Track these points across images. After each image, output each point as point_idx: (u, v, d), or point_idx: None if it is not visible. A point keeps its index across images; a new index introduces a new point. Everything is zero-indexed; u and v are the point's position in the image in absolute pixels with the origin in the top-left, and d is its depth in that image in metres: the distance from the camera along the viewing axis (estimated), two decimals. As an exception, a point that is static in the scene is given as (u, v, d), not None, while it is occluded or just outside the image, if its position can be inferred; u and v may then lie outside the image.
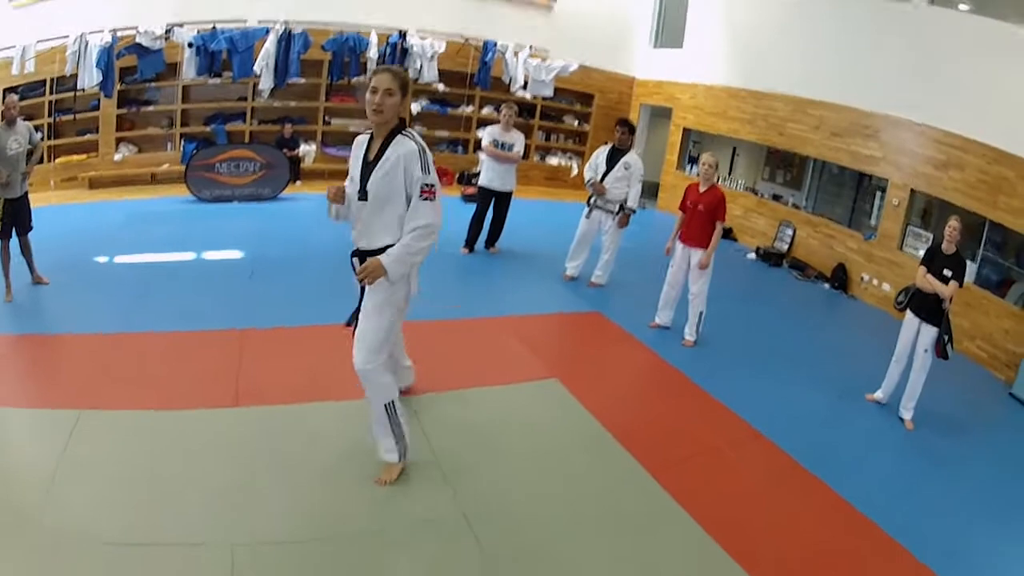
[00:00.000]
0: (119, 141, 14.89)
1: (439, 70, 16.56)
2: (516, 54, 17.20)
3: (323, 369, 6.79)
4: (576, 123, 19.54)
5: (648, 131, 19.69)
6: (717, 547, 5.04)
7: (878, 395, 8.05)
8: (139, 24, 13.62)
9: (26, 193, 8.61)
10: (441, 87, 16.99)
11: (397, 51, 15.95)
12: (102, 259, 10.05)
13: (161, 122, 15.41)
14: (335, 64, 15.68)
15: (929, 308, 7.54)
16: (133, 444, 5.54)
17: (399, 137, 4.86)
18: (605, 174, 10.39)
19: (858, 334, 11.12)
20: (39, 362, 7.01)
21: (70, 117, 14.15)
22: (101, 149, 14.62)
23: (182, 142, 15.41)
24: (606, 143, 10.79)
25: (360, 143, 5.05)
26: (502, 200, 11.59)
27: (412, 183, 4.78)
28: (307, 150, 16.25)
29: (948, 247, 7.50)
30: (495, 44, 17.08)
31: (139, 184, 14.83)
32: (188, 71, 14.31)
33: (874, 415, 7.86)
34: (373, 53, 15.57)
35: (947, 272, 7.40)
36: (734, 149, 17.01)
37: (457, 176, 17.76)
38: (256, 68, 14.65)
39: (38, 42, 12.97)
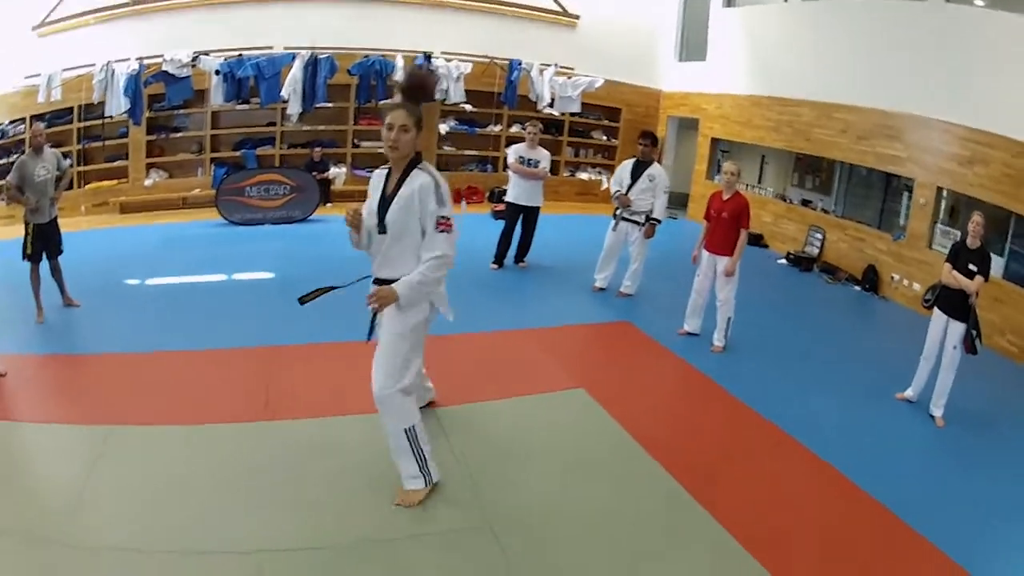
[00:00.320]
0: (149, 167, 15.22)
1: (466, 90, 16.68)
2: (542, 72, 17.31)
3: (349, 384, 6.80)
4: (604, 138, 19.56)
5: (677, 142, 19.67)
6: (753, 561, 4.94)
7: (908, 393, 8.01)
8: (165, 52, 13.91)
9: (55, 218, 8.83)
10: (468, 107, 17.08)
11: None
12: (133, 281, 10.27)
13: (191, 148, 15.72)
14: (362, 87, 15.86)
15: (956, 304, 7.50)
16: (161, 457, 5.66)
17: (415, 171, 5.00)
18: (630, 186, 10.45)
19: (889, 334, 11.07)
20: (69, 380, 7.17)
21: (99, 144, 14.47)
22: (131, 175, 14.95)
23: (212, 167, 15.68)
24: (632, 157, 10.81)
25: (378, 177, 5.19)
26: (530, 216, 11.67)
27: (427, 216, 4.90)
28: (337, 172, 16.44)
29: (973, 242, 7.48)
30: (520, 62, 17.17)
31: (170, 209, 15.10)
32: (216, 98, 14.59)
33: (904, 414, 7.80)
34: (399, 76, 15.62)
35: (972, 267, 7.36)
36: (762, 157, 16.98)
37: (487, 194, 17.87)
38: (284, 93, 14.88)
39: (64, 70, 13.31)
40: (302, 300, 5.35)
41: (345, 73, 15.51)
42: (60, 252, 8.89)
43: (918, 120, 12.07)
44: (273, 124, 16.08)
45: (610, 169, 18.12)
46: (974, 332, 7.42)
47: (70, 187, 13.24)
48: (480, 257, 11.71)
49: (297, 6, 15.64)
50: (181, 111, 15.18)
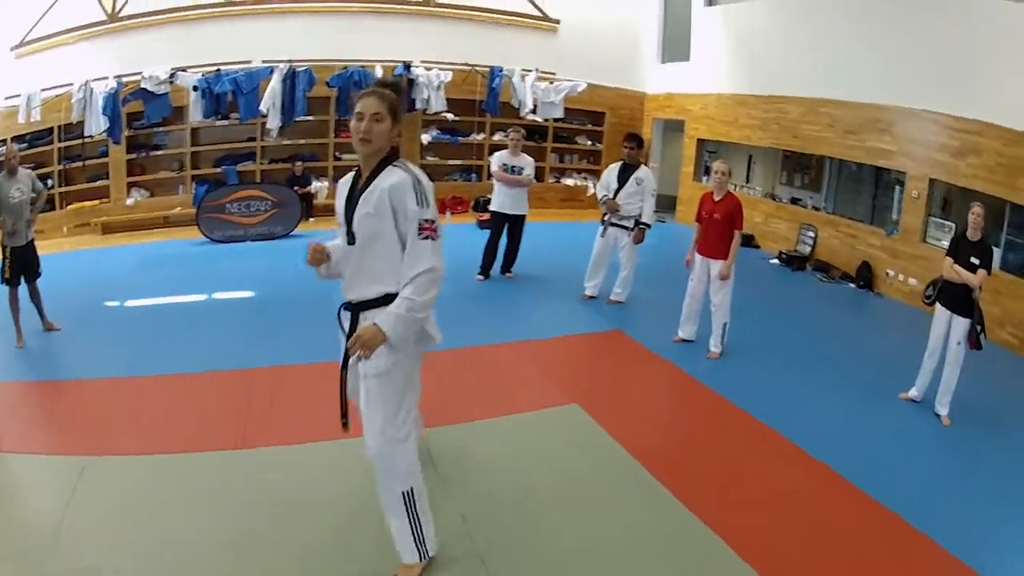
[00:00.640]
0: (130, 186, 15.10)
1: (447, 99, 16.54)
2: (523, 78, 17.16)
3: (329, 407, 6.57)
4: (589, 142, 19.47)
5: (663, 145, 19.60)
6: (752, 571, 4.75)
7: (912, 393, 7.82)
8: (143, 69, 13.77)
9: (32, 241, 8.65)
10: (450, 116, 16.92)
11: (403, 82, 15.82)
12: (113, 303, 10.08)
13: (171, 166, 15.58)
14: (342, 99, 15.66)
15: (959, 299, 7.33)
16: (139, 490, 5.45)
17: (389, 168, 4.12)
18: (617, 191, 10.26)
19: (887, 332, 10.91)
20: (48, 408, 7.00)
21: (79, 164, 14.30)
22: (112, 194, 14.82)
23: (193, 184, 15.54)
24: (619, 160, 10.61)
25: (345, 182, 4.35)
26: (515, 224, 11.45)
27: (407, 219, 4.01)
28: (319, 186, 16.26)
29: (973, 234, 7.30)
30: (501, 69, 17.05)
31: (152, 228, 14.92)
32: (195, 114, 14.47)
33: (909, 414, 7.62)
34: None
35: (974, 260, 7.20)
36: (750, 156, 16.86)
37: (472, 203, 17.73)
38: (263, 108, 14.72)
39: (43, 90, 13.20)
40: (344, 424, 4.45)
41: (324, 85, 15.37)
42: (39, 275, 8.72)
43: (907, 112, 11.95)
44: (253, 139, 15.94)
45: (596, 174, 18.10)
46: (979, 327, 7.27)
47: (52, 208, 13.29)
48: (466, 268, 11.48)
49: (274, 19, 15.53)
50: (160, 129, 15.06)
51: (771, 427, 6.98)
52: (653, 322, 9.76)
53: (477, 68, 17.08)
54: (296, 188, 15.02)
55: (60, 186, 14.11)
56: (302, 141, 16.29)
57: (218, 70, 14.42)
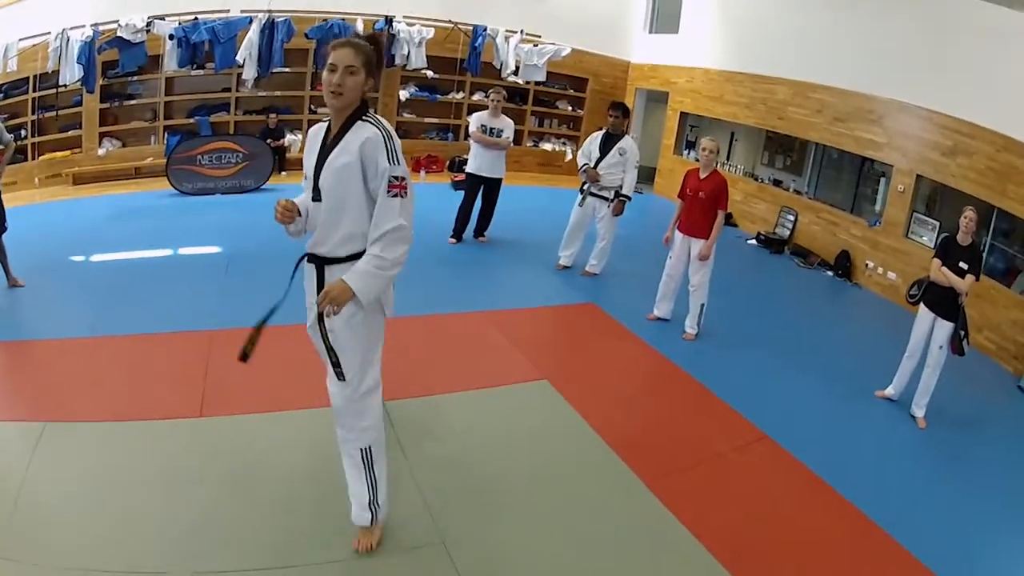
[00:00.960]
0: (103, 136, 14.60)
1: (428, 56, 16.19)
2: (507, 39, 16.81)
3: (291, 374, 6.39)
4: (570, 108, 19.20)
5: (644, 115, 19.43)
6: (719, 566, 4.67)
7: (889, 391, 7.70)
8: (120, 17, 13.30)
9: None
10: (430, 73, 16.58)
11: (384, 36, 15.48)
12: (79, 258, 9.74)
13: (145, 116, 15.09)
14: (320, 52, 15.21)
15: (944, 302, 7.20)
16: (97, 459, 5.20)
17: (359, 123, 3.97)
18: (599, 160, 10.01)
19: (865, 325, 10.81)
20: (6, 371, 6.71)
21: (53, 114, 13.85)
22: (84, 145, 14.31)
23: (166, 135, 15.08)
24: (600, 128, 10.37)
25: (315, 134, 4.17)
26: (491, 187, 11.22)
27: (377, 175, 3.86)
28: (292, 140, 15.89)
29: (964, 238, 7.15)
30: (485, 29, 16.69)
31: (123, 179, 14.51)
32: (170, 63, 13.96)
33: (885, 413, 7.51)
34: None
35: (963, 265, 7.05)
36: (732, 134, 16.64)
37: (447, 163, 17.47)
38: (239, 58, 14.32)
39: (20, 40, 12.68)
40: (244, 355, 4.08)
41: (303, 37, 14.90)
42: (4, 230, 8.32)
43: (900, 105, 11.75)
44: (228, 90, 15.50)
45: (575, 140, 17.97)
46: (962, 332, 7.16)
47: (24, 159, 12.88)
48: (438, 230, 11.31)
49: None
50: (135, 78, 14.60)
51: (741, 414, 6.89)
52: (628, 297, 9.59)
53: (460, 26, 16.72)
54: (269, 141, 14.73)
55: (33, 136, 13.71)
56: (278, 93, 15.92)
57: (196, 19, 13.97)
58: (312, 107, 16.28)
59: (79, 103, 14.02)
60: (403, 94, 16.94)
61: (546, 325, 8.93)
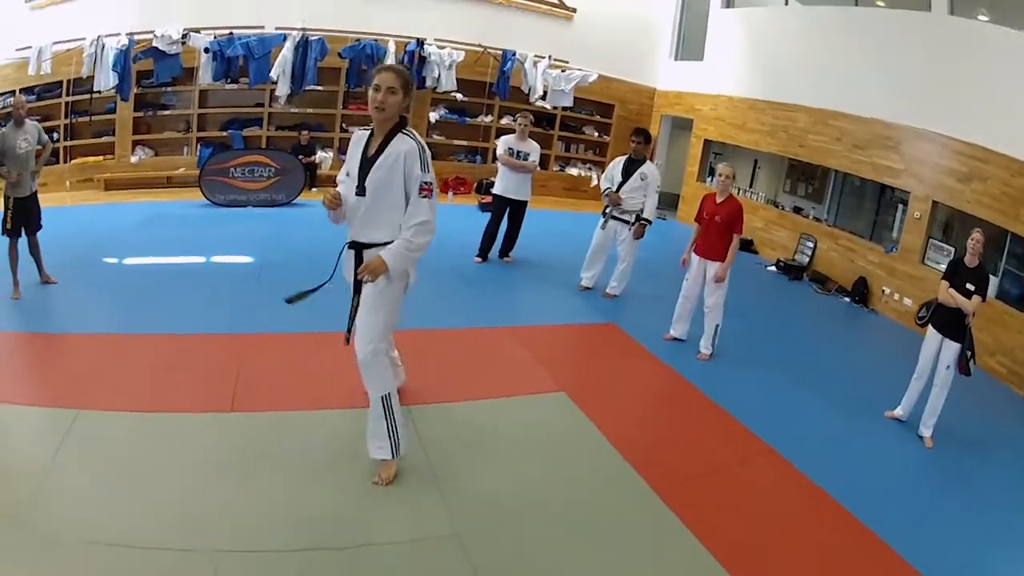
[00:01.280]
0: (135, 144, 14.99)
1: (457, 79, 16.51)
2: (535, 64, 17.11)
3: (320, 377, 6.73)
4: (596, 134, 19.42)
5: (669, 142, 19.59)
6: (721, 569, 4.83)
7: (898, 412, 7.82)
8: (156, 28, 13.66)
9: (35, 192, 8.63)
10: (459, 96, 16.88)
11: (415, 59, 15.86)
12: (112, 260, 10.06)
13: (178, 126, 15.47)
14: (352, 71, 15.67)
15: (951, 323, 7.34)
16: (127, 445, 5.49)
17: (399, 135, 4.98)
18: (621, 184, 10.22)
19: (878, 349, 10.92)
20: (42, 360, 7.00)
21: (86, 119, 14.20)
22: (117, 151, 14.72)
23: (198, 146, 15.43)
24: (625, 154, 10.58)
25: (358, 140, 5.16)
26: (517, 209, 11.46)
27: (412, 181, 4.90)
28: (324, 156, 16.19)
29: (971, 260, 7.29)
30: (514, 53, 16.99)
31: (154, 187, 14.85)
32: (204, 76, 14.36)
33: (893, 433, 7.62)
34: (391, 61, 15.39)
35: (970, 286, 7.20)
36: (755, 161, 16.81)
37: (475, 185, 17.67)
38: (273, 74, 14.67)
39: (54, 43, 13.08)
40: (290, 300, 5.27)
41: (336, 56, 15.31)
42: (39, 228, 8.69)
43: (916, 132, 11.91)
44: (261, 105, 15.83)
45: (601, 166, 18.10)
46: (969, 353, 7.25)
47: (56, 161, 13.24)
48: (465, 250, 11.52)
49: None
50: (169, 88, 14.94)
51: (752, 431, 7.02)
52: (647, 318, 9.74)
53: (490, 50, 17.02)
54: (301, 157, 14.95)
55: (65, 140, 14.04)
56: (310, 110, 16.22)
57: (231, 33, 14.33)
58: (343, 125, 16.58)
59: (112, 110, 14.42)
60: (433, 116, 17.22)
61: (566, 342, 9.12)
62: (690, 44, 18.56)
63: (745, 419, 7.23)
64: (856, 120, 13.17)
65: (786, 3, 15.32)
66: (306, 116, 16.27)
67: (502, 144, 11.33)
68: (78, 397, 6.06)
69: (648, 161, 10.41)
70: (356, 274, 5.03)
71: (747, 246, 15.21)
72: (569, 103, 17.73)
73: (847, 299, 12.89)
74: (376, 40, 15.60)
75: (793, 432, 7.14)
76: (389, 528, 4.85)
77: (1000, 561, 5.68)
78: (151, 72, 14.16)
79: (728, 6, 16.94)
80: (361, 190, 4.98)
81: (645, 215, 10.21)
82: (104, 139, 14.61)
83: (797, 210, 15.28)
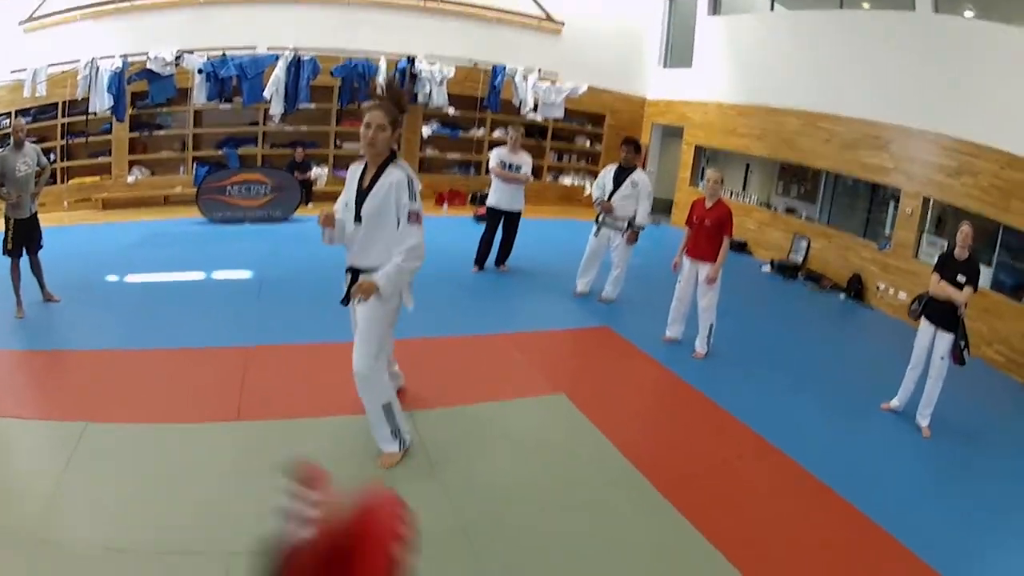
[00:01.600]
0: (132, 164, 15.07)
1: (449, 94, 16.63)
2: (526, 77, 17.24)
3: (323, 386, 6.79)
4: (588, 143, 19.56)
5: (661, 149, 19.67)
6: (731, 567, 4.88)
7: (894, 403, 7.90)
8: (149, 50, 13.79)
9: (35, 214, 8.71)
10: (451, 111, 17.01)
11: (406, 76, 15.97)
12: (113, 278, 10.15)
13: (173, 146, 15.59)
14: (344, 89, 15.76)
15: (944, 315, 7.42)
16: (136, 455, 5.58)
17: (390, 167, 5.36)
18: (612, 192, 10.33)
19: (874, 343, 10.99)
20: (48, 376, 7.07)
21: (83, 140, 14.30)
22: (114, 171, 14.82)
23: (194, 165, 15.50)
24: (616, 163, 10.69)
25: (354, 172, 5.56)
26: (511, 220, 11.56)
27: (401, 208, 5.29)
28: (319, 173, 16.28)
29: (961, 252, 7.38)
30: (504, 68, 17.12)
31: (152, 206, 14.94)
32: (199, 96, 14.47)
33: (890, 424, 7.70)
34: (382, 79, 15.37)
35: (961, 278, 7.27)
36: (747, 165, 16.91)
37: (469, 197, 17.74)
38: (266, 94, 14.78)
39: (49, 66, 13.19)
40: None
41: (328, 75, 15.43)
42: (40, 247, 8.78)
43: (905, 131, 12.03)
44: (256, 124, 15.95)
45: (593, 175, 18.04)
46: (962, 343, 7.33)
47: (53, 182, 13.18)
48: (461, 260, 11.63)
49: (281, 7, 15.48)
50: (164, 109, 15.02)
51: (751, 427, 7.08)
52: (642, 321, 9.82)
53: (480, 65, 17.14)
54: (296, 174, 15.05)
55: (62, 161, 14.13)
56: (304, 128, 16.30)
57: (224, 54, 14.45)
58: (338, 142, 16.75)
59: (109, 131, 14.52)
60: (425, 131, 17.32)
61: (563, 346, 9.19)
62: (678, 52, 18.69)
63: (744, 416, 7.29)
64: (844, 121, 13.28)
65: (772, 8, 15.45)
66: (300, 134, 16.36)
67: (494, 157, 11.44)
68: (86, 410, 6.14)
69: (638, 169, 10.53)
70: (349, 294, 5.44)
71: (741, 247, 15.32)
72: (560, 115, 17.83)
73: (842, 296, 12.97)
74: (367, 59, 15.72)
75: (792, 427, 7.20)
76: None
77: (1000, 547, 5.73)
78: (146, 93, 14.26)
79: (714, 13, 17.06)
80: (358, 219, 5.35)
81: (638, 221, 10.31)
82: (101, 159, 14.71)
83: (790, 211, 15.38)
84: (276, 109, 15.03)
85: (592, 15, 18.45)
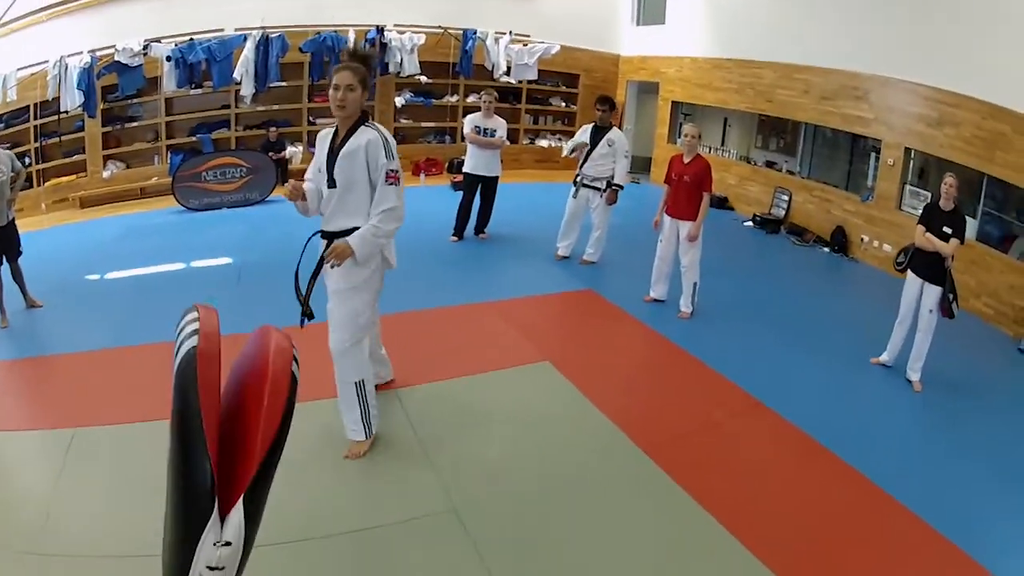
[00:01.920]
0: (107, 159, 14.80)
1: (420, 62, 16.41)
2: (497, 40, 17.03)
3: (310, 369, 6.59)
4: (563, 104, 19.44)
5: (637, 106, 19.55)
6: (719, 526, 4.85)
7: (883, 358, 7.84)
8: (117, 42, 13.53)
9: (13, 220, 8.50)
10: (424, 79, 16.75)
11: (376, 46, 15.76)
12: (94, 277, 9.95)
13: (147, 136, 15.29)
14: (315, 64, 15.55)
15: (931, 267, 7.31)
16: (127, 456, 5.47)
17: (362, 128, 5.13)
18: (590, 152, 10.24)
19: (860, 297, 10.93)
20: (35, 384, 6.96)
21: (56, 140, 14.03)
22: (89, 168, 14.52)
23: (169, 154, 15.27)
24: (592, 122, 10.58)
25: (324, 136, 5.31)
26: (488, 185, 11.44)
27: (377, 169, 5.04)
28: (294, 151, 16.06)
29: (946, 204, 7.27)
30: (475, 32, 16.92)
31: (129, 200, 14.72)
32: (168, 84, 14.19)
33: (880, 378, 7.64)
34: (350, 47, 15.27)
35: (947, 229, 7.16)
36: (725, 119, 16.79)
37: (446, 165, 17.64)
38: (236, 75, 14.56)
39: (19, 69, 12.90)
40: (304, 314, 5.19)
41: (297, 51, 15.20)
42: (20, 254, 8.57)
43: (884, 80, 11.89)
44: (227, 107, 15.69)
45: (569, 135, 17.91)
46: (951, 296, 7.25)
47: (30, 185, 13.04)
48: (440, 230, 11.53)
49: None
50: (135, 100, 14.73)
51: (739, 385, 7.04)
52: (625, 282, 9.77)
53: (450, 31, 16.93)
54: (271, 154, 14.87)
55: (37, 163, 13.84)
56: (276, 107, 16.10)
57: (191, 39, 14.20)
58: (311, 119, 16.47)
59: (81, 128, 14.20)
60: (399, 100, 17.10)
61: (547, 312, 9.10)
62: (651, 9, 18.49)
63: (732, 375, 7.24)
64: (822, 72, 13.16)
65: (745, -41, 15.27)
66: (272, 113, 16.15)
67: (468, 123, 11.32)
68: (75, 416, 6.03)
69: (615, 128, 10.44)
70: (323, 257, 5.14)
71: (722, 203, 15.25)
72: (534, 76, 17.70)
73: (826, 249, 12.91)
74: (336, 32, 15.47)
75: (781, 384, 7.15)
76: (386, 510, 4.87)
77: (994, 500, 5.67)
78: (116, 86, 14.02)
79: (687, -34, 16.88)
80: (332, 182, 5.13)
81: (616, 180, 10.23)
82: (75, 158, 14.42)
83: (770, 164, 15.29)
84: (247, 90, 14.79)
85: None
